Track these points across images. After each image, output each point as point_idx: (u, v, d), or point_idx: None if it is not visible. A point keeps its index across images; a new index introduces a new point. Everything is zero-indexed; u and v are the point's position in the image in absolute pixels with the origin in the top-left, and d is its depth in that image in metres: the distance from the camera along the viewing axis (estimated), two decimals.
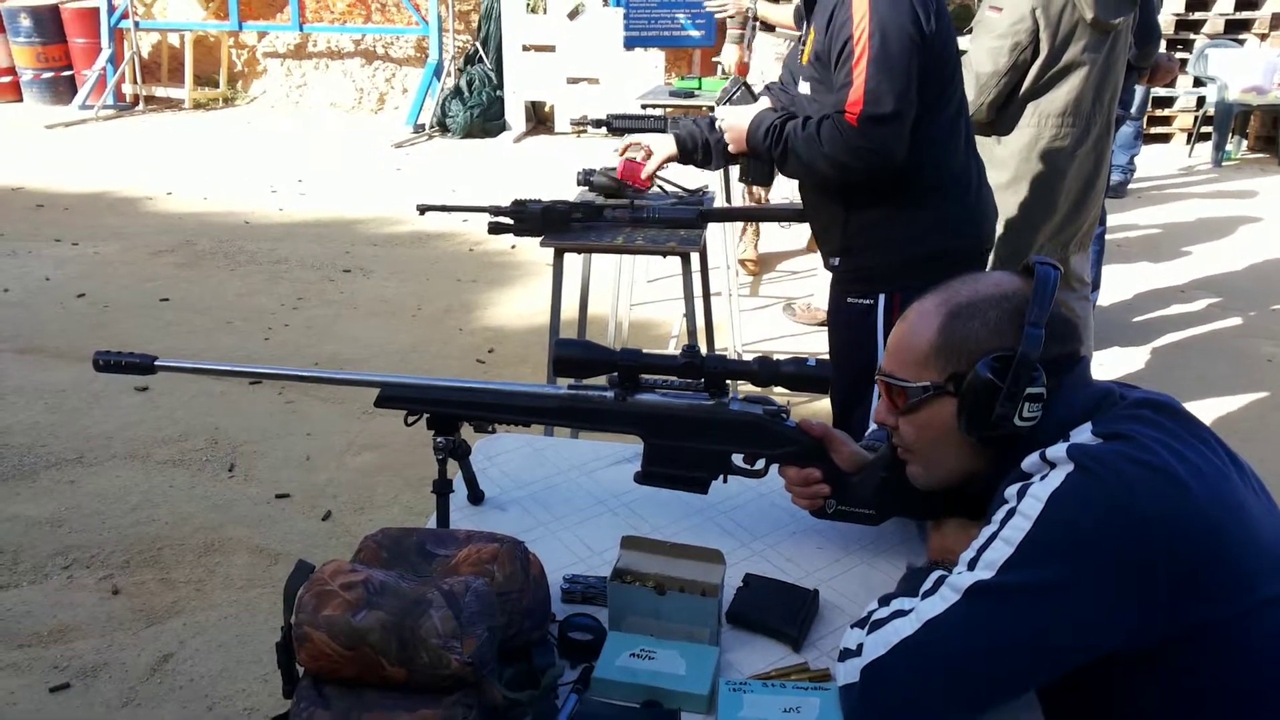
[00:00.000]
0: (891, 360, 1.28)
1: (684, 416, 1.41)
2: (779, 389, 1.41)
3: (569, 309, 2.94)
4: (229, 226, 5.91)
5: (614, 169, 2.57)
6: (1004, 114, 2.85)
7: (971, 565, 1.10)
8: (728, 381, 1.39)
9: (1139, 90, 5.85)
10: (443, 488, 1.46)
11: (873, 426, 1.58)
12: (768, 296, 4.78)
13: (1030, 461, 1.14)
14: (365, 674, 1.04)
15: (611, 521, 1.55)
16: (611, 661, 1.22)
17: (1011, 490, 1.13)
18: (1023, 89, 2.81)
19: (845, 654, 1.15)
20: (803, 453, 1.41)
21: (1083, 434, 1.13)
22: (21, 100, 9.15)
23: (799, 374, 1.37)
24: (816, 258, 4.35)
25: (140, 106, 9.04)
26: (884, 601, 1.20)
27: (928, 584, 1.14)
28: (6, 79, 9.12)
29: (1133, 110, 6.02)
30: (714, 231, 4.15)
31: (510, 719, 1.09)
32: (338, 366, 3.95)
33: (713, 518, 1.56)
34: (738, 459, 1.44)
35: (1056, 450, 1.11)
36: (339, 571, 1.08)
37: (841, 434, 1.43)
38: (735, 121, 2.14)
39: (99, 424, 3.59)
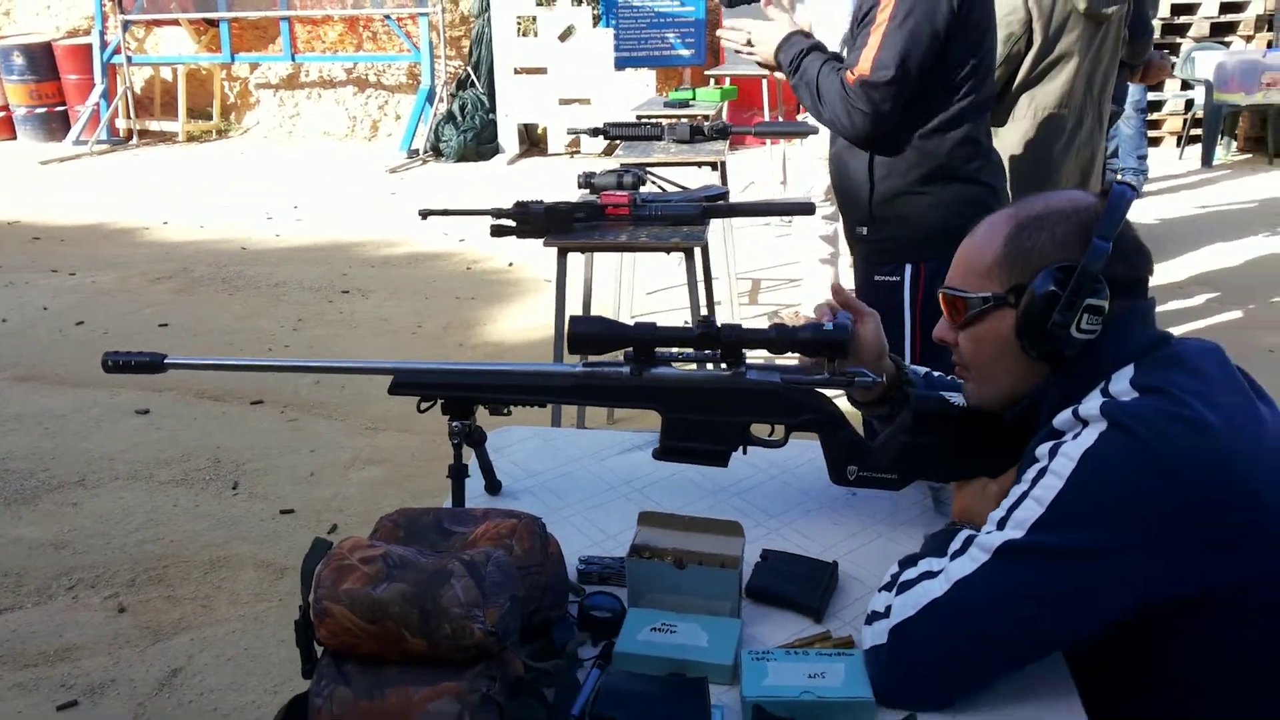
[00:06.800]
0: (955, 273, 1.26)
1: (701, 388, 1.40)
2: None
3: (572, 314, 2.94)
4: (226, 253, 5.91)
5: (611, 171, 2.59)
6: (999, 105, 2.85)
7: (1001, 525, 1.09)
8: (744, 351, 1.38)
9: (1135, 88, 5.88)
10: (458, 472, 1.45)
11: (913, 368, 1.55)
12: (767, 304, 4.79)
13: (1063, 419, 1.12)
14: (386, 649, 1.03)
15: (625, 506, 1.53)
16: (633, 636, 1.20)
17: (1043, 449, 1.11)
18: (1017, 80, 2.83)
19: (873, 616, 1.15)
20: (821, 419, 1.40)
21: (1123, 379, 1.11)
22: (15, 137, 9.18)
23: (815, 339, 1.35)
24: (804, 266, 4.34)
25: (134, 140, 9.06)
26: (906, 563, 1.20)
27: (956, 544, 1.13)
28: None
29: (1126, 106, 6.06)
30: (715, 243, 4.18)
31: (533, 691, 1.07)
32: (340, 386, 3.93)
33: (726, 499, 1.54)
34: (758, 430, 1.43)
35: (1090, 407, 1.09)
36: (357, 546, 1.07)
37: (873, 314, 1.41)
38: (768, 36, 2.23)
39: (100, 447, 3.57)
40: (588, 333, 1.38)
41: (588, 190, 2.60)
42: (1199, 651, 1.11)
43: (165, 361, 1.45)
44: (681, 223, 2.41)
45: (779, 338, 1.36)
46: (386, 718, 1.00)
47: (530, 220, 2.35)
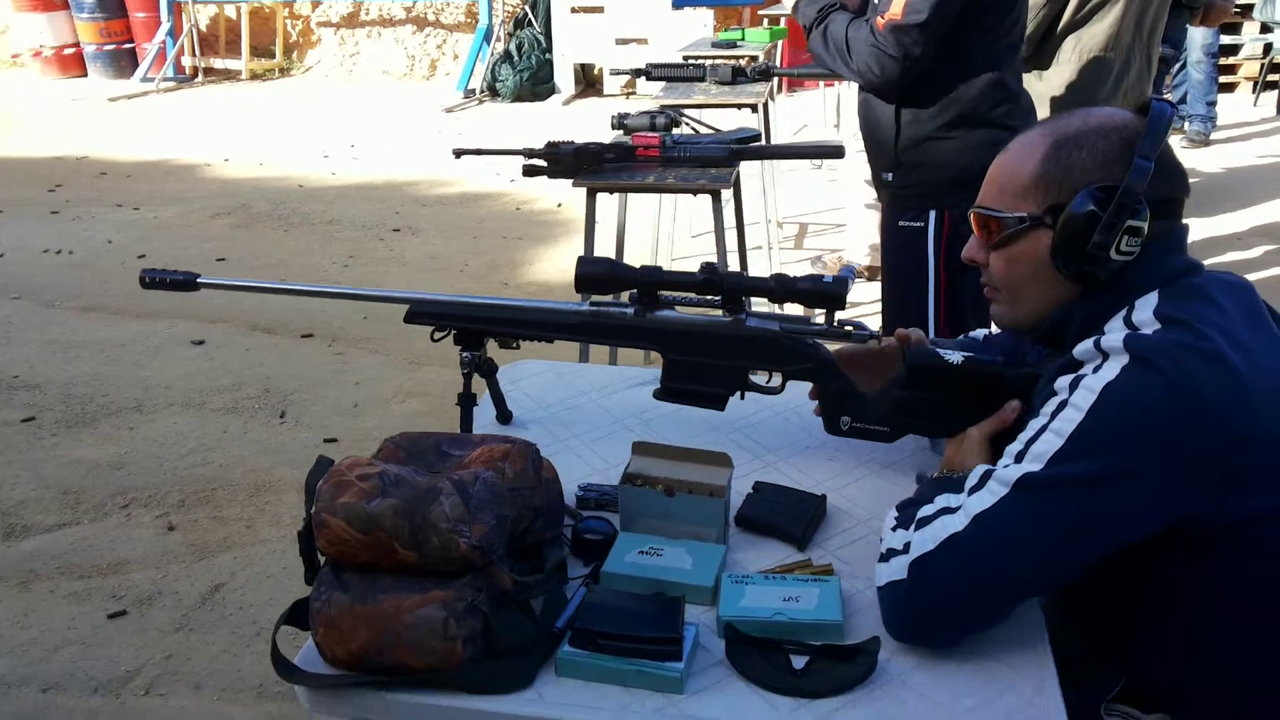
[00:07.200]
0: (989, 191, 1.24)
1: (702, 332, 1.44)
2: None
3: (607, 253, 2.98)
4: (283, 190, 6.03)
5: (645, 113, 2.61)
6: (1044, 48, 2.81)
7: (1019, 458, 1.10)
8: (745, 298, 1.41)
9: (1206, 31, 5.68)
10: (467, 400, 1.52)
11: (979, 333, 1.56)
12: (811, 249, 4.77)
13: (1083, 349, 1.12)
14: (380, 558, 1.09)
15: (629, 438, 1.56)
16: (620, 558, 1.26)
17: (1063, 381, 1.11)
18: (1062, 22, 2.77)
19: (889, 554, 1.16)
20: (818, 369, 1.43)
21: (1147, 308, 1.12)
22: (86, 74, 9.39)
23: (814, 290, 1.38)
24: (849, 211, 4.32)
25: (199, 78, 9.23)
26: (905, 507, 1.21)
27: (973, 480, 1.13)
28: (71, 52, 9.37)
29: (1197, 50, 5.85)
30: (754, 188, 4.17)
31: (520, 604, 1.14)
32: (385, 321, 4.04)
33: (728, 434, 1.59)
34: (756, 376, 1.47)
35: (1112, 340, 1.09)
36: (356, 464, 1.13)
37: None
38: None
39: (157, 375, 3.72)
40: (593, 274, 1.42)
41: (621, 131, 2.63)
42: (1195, 587, 1.13)
43: (198, 280, 1.53)
44: (710, 165, 2.43)
45: (778, 287, 1.38)
46: (379, 619, 1.08)
47: (560, 160, 2.39)
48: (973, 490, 1.12)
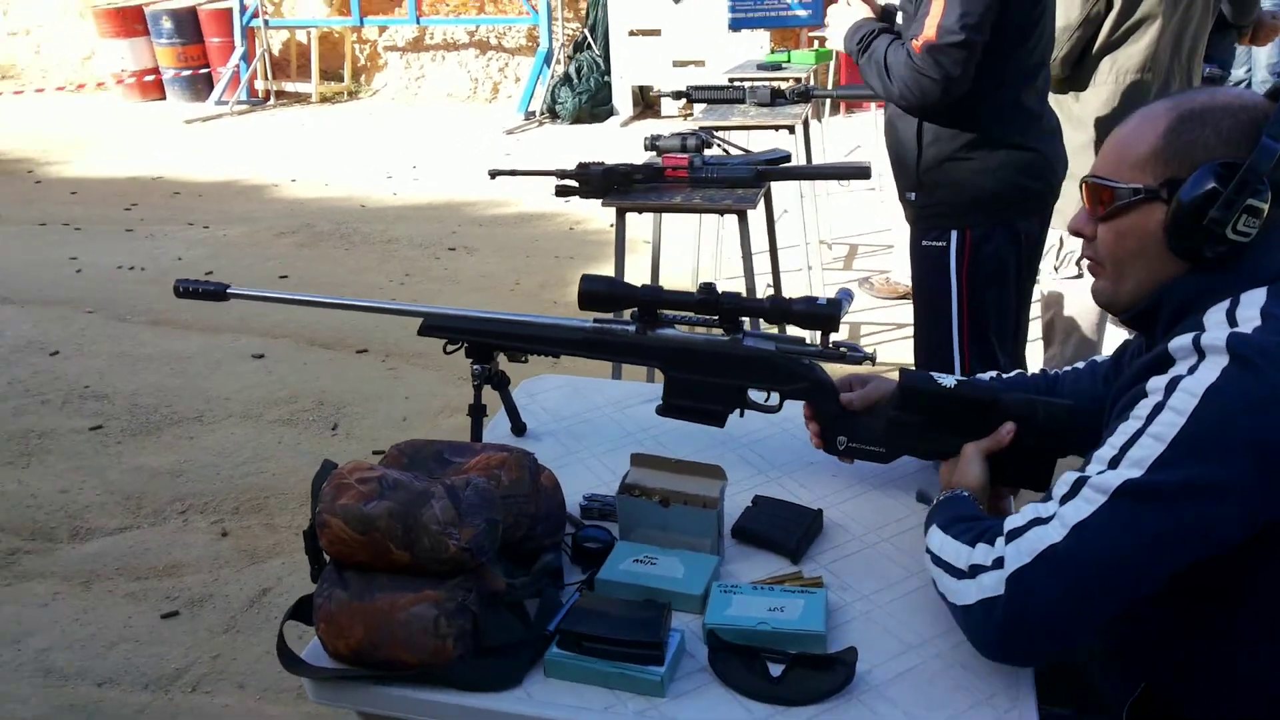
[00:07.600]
0: (1105, 161, 1.20)
1: (700, 350, 1.48)
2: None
3: (642, 273, 3.05)
4: (346, 210, 6.22)
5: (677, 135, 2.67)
6: (1079, 69, 2.79)
7: (1115, 463, 1.06)
8: (743, 318, 1.46)
9: (1270, 50, 5.57)
10: (477, 411, 1.58)
11: (986, 376, 1.55)
12: (860, 270, 4.78)
13: (1179, 345, 1.08)
14: (376, 558, 1.16)
15: (637, 451, 1.63)
16: (616, 565, 1.31)
17: (1157, 382, 1.08)
18: (1097, 43, 2.75)
19: (975, 570, 1.11)
20: (813, 389, 1.46)
21: (1253, 306, 1.09)
22: (164, 98, 9.78)
23: (808, 311, 1.42)
24: (896, 233, 4.33)
25: (271, 101, 9.54)
26: (952, 524, 1.19)
27: (1064, 487, 1.10)
28: (151, 78, 9.76)
29: (1263, 70, 5.75)
30: (795, 208, 4.20)
31: (510, 605, 1.19)
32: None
33: (733, 448, 1.63)
34: (754, 394, 1.51)
35: (1213, 338, 1.06)
36: (357, 469, 1.20)
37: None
38: (842, 23, 2.29)
39: (218, 387, 3.87)
40: (595, 291, 1.48)
41: (654, 152, 2.69)
42: (1270, 590, 1.10)
43: (228, 291, 1.63)
44: (737, 185, 2.48)
45: (773, 308, 1.43)
46: (375, 616, 1.14)
47: (590, 181, 2.45)
48: (1065, 498, 1.08)
